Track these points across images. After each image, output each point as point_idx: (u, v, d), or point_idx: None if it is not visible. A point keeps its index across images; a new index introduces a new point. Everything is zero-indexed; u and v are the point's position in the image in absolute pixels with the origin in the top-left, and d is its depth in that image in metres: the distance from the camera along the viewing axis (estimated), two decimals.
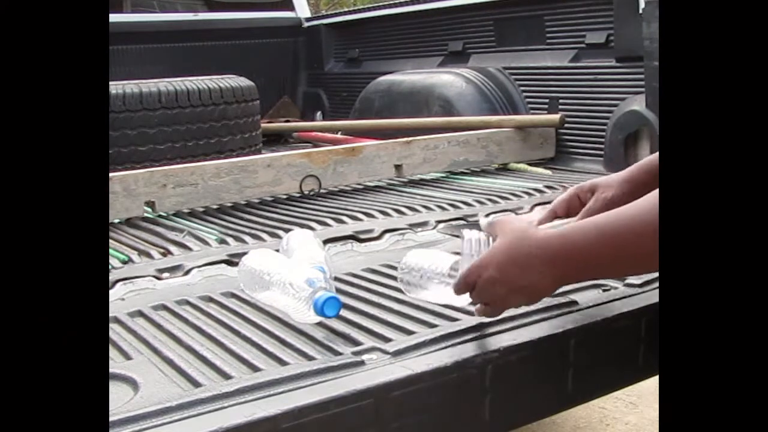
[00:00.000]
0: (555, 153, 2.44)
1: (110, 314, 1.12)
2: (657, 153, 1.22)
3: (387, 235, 1.57)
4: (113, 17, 2.76)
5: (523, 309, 1.07)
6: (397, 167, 2.18)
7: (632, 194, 1.18)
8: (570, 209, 1.21)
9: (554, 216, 1.22)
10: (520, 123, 2.42)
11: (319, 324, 1.06)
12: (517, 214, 1.73)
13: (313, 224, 1.66)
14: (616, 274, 1.12)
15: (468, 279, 0.98)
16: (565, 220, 1.19)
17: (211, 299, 1.22)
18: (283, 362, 0.95)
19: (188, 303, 1.20)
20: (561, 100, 2.48)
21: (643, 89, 2.07)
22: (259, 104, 2.62)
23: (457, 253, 1.06)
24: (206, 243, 1.55)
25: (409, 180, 2.21)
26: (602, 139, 2.27)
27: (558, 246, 0.94)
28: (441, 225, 1.62)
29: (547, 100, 2.53)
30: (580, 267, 0.94)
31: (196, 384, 0.89)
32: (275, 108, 3.67)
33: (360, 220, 1.71)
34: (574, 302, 1.10)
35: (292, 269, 1.10)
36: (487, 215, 1.71)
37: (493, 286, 0.96)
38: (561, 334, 1.02)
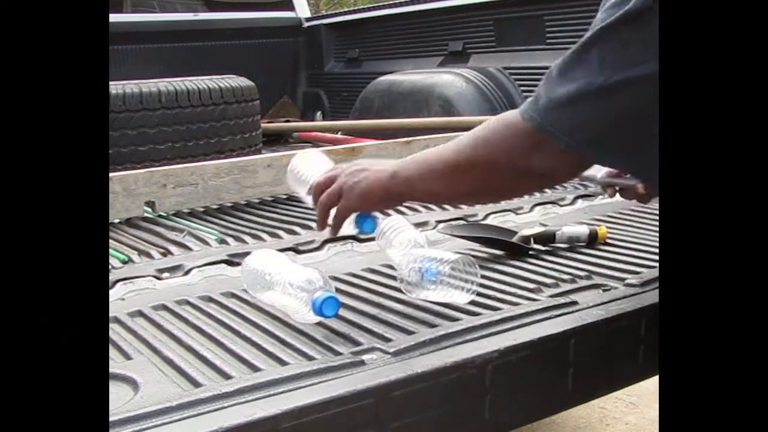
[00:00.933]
0: None
1: (110, 314, 1.12)
2: None
3: None
4: (113, 17, 2.76)
5: (524, 309, 1.07)
6: None
7: None
8: None
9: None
10: None
11: (319, 324, 1.06)
12: (517, 214, 1.73)
13: (313, 224, 1.65)
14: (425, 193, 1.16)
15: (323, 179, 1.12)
16: None
17: (211, 299, 1.22)
18: (283, 362, 0.95)
19: (188, 303, 1.20)
20: None
21: None
22: (259, 104, 2.62)
23: (459, 253, 1.07)
24: (206, 243, 1.55)
25: None
26: None
27: (403, 162, 1.09)
28: (441, 225, 1.62)
29: None
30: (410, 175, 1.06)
31: (196, 384, 0.89)
32: (275, 108, 3.67)
33: None
34: (574, 302, 1.10)
35: (292, 269, 1.10)
36: (487, 215, 1.71)
37: (345, 171, 1.11)
38: (561, 334, 1.02)
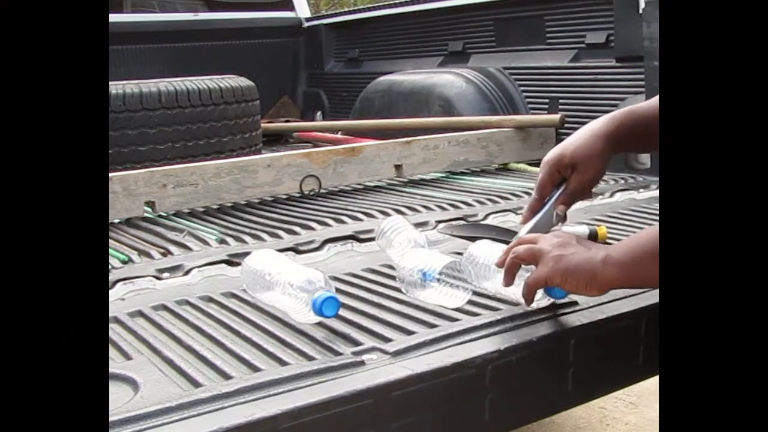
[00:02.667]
0: None
1: (110, 314, 1.12)
2: (625, 108, 1.23)
3: None
4: (113, 17, 2.76)
5: (523, 309, 1.07)
6: (397, 167, 2.18)
7: (606, 164, 1.21)
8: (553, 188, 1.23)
9: (542, 199, 1.23)
10: (520, 123, 2.42)
11: (319, 324, 1.06)
12: (517, 214, 1.73)
13: (313, 224, 1.66)
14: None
15: (526, 239, 1.04)
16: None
17: (211, 299, 1.22)
18: (283, 362, 0.95)
19: (188, 303, 1.20)
20: (561, 100, 2.48)
21: (643, 89, 2.07)
22: (259, 104, 2.62)
23: (458, 254, 1.06)
24: (206, 243, 1.55)
25: (409, 180, 2.21)
26: None
27: (614, 247, 1.01)
28: (441, 225, 1.62)
29: (547, 100, 2.53)
30: (633, 271, 0.97)
31: (196, 384, 0.89)
32: (275, 108, 3.67)
33: (360, 220, 1.71)
34: (574, 302, 1.10)
35: (293, 269, 1.10)
36: (487, 216, 1.71)
37: (549, 241, 1.02)
38: (561, 334, 1.02)
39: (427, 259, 1.13)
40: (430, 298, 1.11)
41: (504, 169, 2.35)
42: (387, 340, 1.00)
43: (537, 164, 2.33)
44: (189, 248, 1.52)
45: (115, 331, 1.08)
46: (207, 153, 2.37)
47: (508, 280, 1.06)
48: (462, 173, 2.30)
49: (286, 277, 1.08)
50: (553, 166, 1.22)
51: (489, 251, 1.13)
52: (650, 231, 0.98)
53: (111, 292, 1.27)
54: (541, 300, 1.07)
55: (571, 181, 1.21)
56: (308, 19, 3.82)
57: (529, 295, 1.04)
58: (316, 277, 1.06)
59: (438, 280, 1.09)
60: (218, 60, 3.38)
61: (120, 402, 0.86)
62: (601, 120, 1.24)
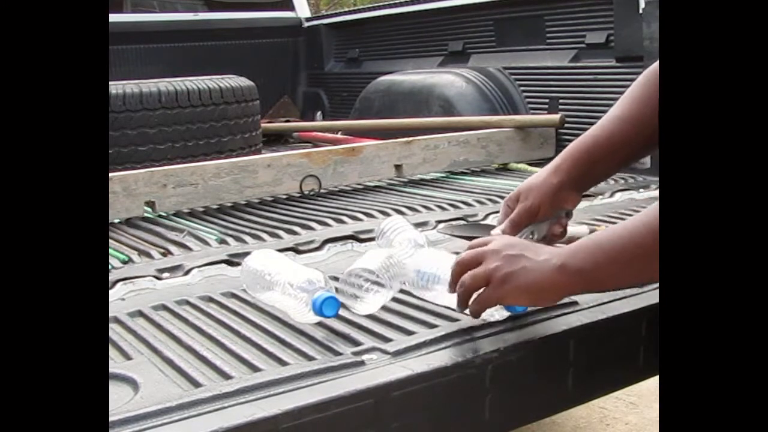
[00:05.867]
0: (555, 153, 2.43)
1: (110, 314, 1.12)
2: (580, 138, 1.23)
3: None
4: (113, 17, 2.76)
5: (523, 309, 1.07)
6: (397, 167, 2.18)
7: (556, 193, 1.21)
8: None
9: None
10: (520, 123, 2.42)
11: (319, 324, 1.06)
12: None
13: (313, 224, 1.66)
14: (620, 284, 1.09)
15: (474, 244, 0.99)
16: None
17: (211, 299, 1.22)
18: (283, 362, 0.95)
19: (188, 303, 1.20)
20: (561, 100, 2.48)
21: None
22: (259, 104, 2.62)
23: (457, 253, 1.06)
24: (206, 243, 1.55)
25: (409, 180, 2.21)
26: None
27: (566, 249, 0.96)
28: (441, 225, 1.62)
29: (547, 100, 2.53)
30: (588, 272, 0.94)
31: (196, 384, 0.89)
32: (275, 108, 3.67)
33: (360, 220, 1.71)
34: (574, 302, 1.10)
35: (293, 269, 1.10)
36: (487, 216, 1.71)
37: (497, 254, 0.97)
38: (561, 334, 1.02)
39: (430, 261, 1.13)
40: (431, 299, 1.11)
41: (504, 169, 2.35)
42: (387, 340, 1.00)
43: (537, 164, 2.35)
44: (189, 248, 1.52)
45: (115, 331, 1.08)
46: (207, 153, 2.38)
47: (464, 306, 1.01)
48: (462, 173, 2.30)
49: (285, 277, 1.08)
50: (504, 201, 1.27)
51: (436, 263, 1.11)
52: (606, 234, 0.96)
53: (111, 292, 1.27)
54: (495, 313, 1.03)
55: (515, 210, 1.23)
56: (308, 19, 3.82)
57: (477, 315, 1.00)
58: (316, 277, 1.06)
59: (439, 281, 1.09)
60: (218, 60, 3.39)
61: (120, 402, 0.86)
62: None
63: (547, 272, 0.95)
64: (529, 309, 1.07)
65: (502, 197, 1.87)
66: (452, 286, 1.02)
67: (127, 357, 1.00)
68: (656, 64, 1.20)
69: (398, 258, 1.14)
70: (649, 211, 0.92)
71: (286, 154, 2.07)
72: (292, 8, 3.82)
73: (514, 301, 0.99)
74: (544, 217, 1.22)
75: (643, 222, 0.92)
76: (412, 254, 1.25)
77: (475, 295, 0.99)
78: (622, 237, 0.94)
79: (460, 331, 1.01)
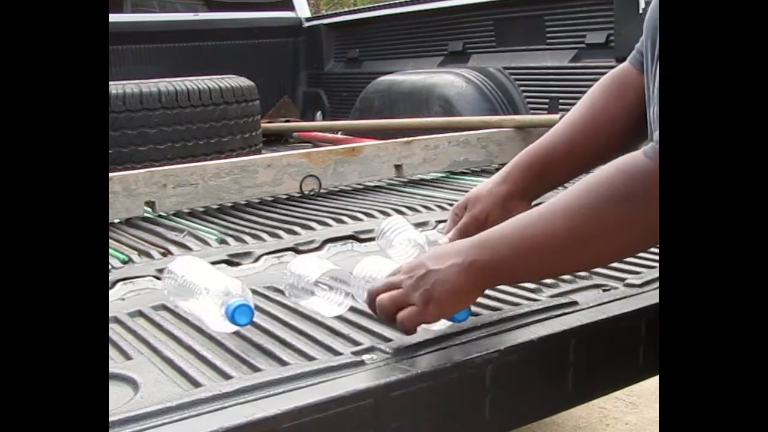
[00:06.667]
0: None
1: (110, 314, 1.12)
2: (534, 144, 1.24)
3: None
4: (113, 17, 2.76)
5: (524, 309, 1.07)
6: (397, 167, 2.18)
7: (504, 202, 1.22)
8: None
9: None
10: (520, 123, 2.42)
11: (319, 324, 1.06)
12: None
13: (313, 224, 1.66)
14: (534, 272, 1.05)
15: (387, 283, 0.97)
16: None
17: None
18: (283, 362, 0.95)
19: None
20: (561, 100, 2.48)
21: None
22: (259, 104, 2.62)
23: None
24: (206, 243, 1.55)
25: (409, 180, 2.21)
26: None
27: (473, 243, 0.96)
28: (441, 225, 1.62)
29: (547, 100, 2.53)
30: (497, 261, 0.95)
31: (196, 384, 0.89)
32: (275, 108, 3.68)
33: (360, 220, 1.71)
34: (574, 302, 1.10)
35: (212, 278, 1.08)
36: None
37: (409, 280, 0.95)
38: (561, 334, 1.02)
39: (310, 266, 1.13)
40: (312, 305, 1.10)
41: None
42: (387, 340, 1.00)
43: None
44: (189, 248, 1.52)
45: (115, 331, 1.08)
46: (207, 153, 2.38)
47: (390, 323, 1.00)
48: (462, 173, 2.30)
49: (204, 284, 1.05)
50: (453, 210, 1.27)
51: (372, 269, 1.10)
52: (516, 222, 0.96)
53: (111, 292, 1.27)
54: (434, 325, 1.01)
55: (462, 218, 1.24)
56: (308, 19, 3.82)
57: (409, 333, 0.98)
58: (234, 285, 1.03)
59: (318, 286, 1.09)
60: (218, 60, 3.39)
61: (120, 402, 0.86)
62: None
63: (460, 275, 0.94)
64: (530, 310, 1.07)
65: None
66: (371, 308, 1.01)
67: (127, 357, 1.00)
68: (614, 70, 1.21)
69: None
70: (562, 197, 0.92)
71: (286, 154, 2.07)
72: (292, 8, 3.82)
73: (441, 314, 0.97)
74: (493, 224, 1.20)
75: (553, 209, 0.92)
76: (412, 254, 1.25)
77: (404, 313, 0.96)
78: (527, 226, 0.94)
79: (460, 332, 1.01)
